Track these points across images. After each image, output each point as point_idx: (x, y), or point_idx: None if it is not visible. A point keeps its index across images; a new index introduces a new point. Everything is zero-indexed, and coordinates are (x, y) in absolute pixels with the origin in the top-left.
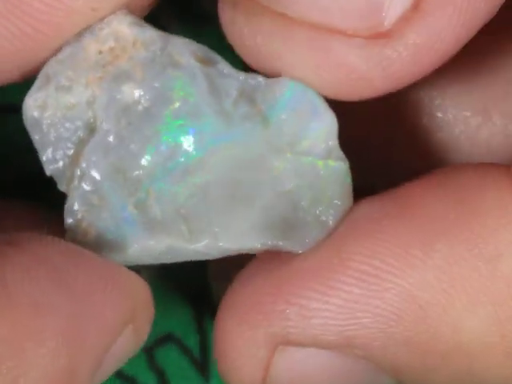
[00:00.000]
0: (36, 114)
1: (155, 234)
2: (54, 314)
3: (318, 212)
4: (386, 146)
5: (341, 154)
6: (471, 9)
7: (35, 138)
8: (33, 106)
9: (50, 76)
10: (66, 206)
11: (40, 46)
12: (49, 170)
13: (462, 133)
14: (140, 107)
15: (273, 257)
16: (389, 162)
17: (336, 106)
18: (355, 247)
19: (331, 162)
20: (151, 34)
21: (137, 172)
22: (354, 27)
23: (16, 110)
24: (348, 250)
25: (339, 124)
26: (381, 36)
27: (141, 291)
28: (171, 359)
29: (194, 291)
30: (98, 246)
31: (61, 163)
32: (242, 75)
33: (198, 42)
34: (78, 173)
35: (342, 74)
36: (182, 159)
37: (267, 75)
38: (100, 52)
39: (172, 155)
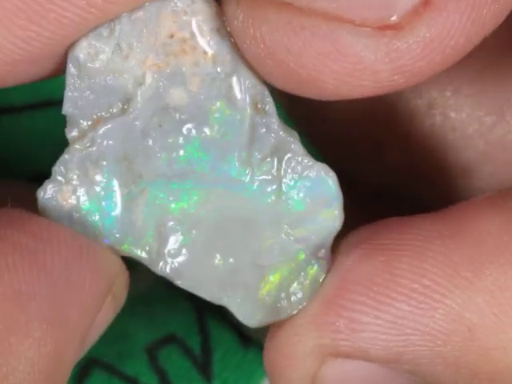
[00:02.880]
0: (84, 57)
1: (125, 239)
2: (36, 302)
3: (279, 297)
4: (401, 147)
5: (327, 256)
6: (484, 7)
7: (71, 75)
8: (85, 49)
9: (114, 32)
10: (61, 157)
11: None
12: (66, 109)
13: (475, 132)
14: (177, 115)
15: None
16: (403, 162)
17: (352, 104)
18: (407, 264)
19: (314, 261)
20: (227, 52)
21: (142, 168)
22: (362, 17)
23: (12, 110)
24: (399, 267)
25: (355, 129)
26: (390, 28)
27: (115, 261)
28: (173, 360)
29: None
30: (72, 218)
31: (80, 112)
32: (285, 132)
33: None
34: (90, 137)
35: (349, 64)
36: (188, 185)
37: (272, 68)
38: (171, 36)
39: (181, 175)
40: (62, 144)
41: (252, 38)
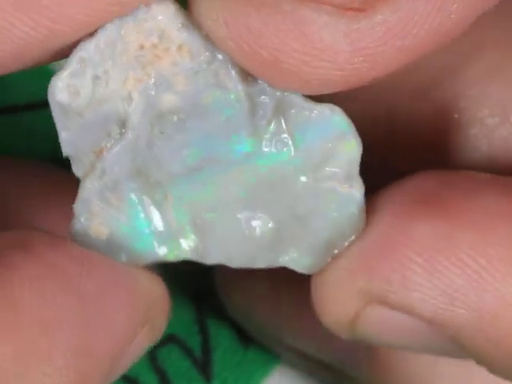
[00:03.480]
0: (66, 99)
1: (168, 243)
2: (62, 329)
3: (327, 238)
4: (403, 150)
5: (360, 181)
6: None
7: (58, 119)
8: (64, 90)
9: (86, 62)
10: (79, 195)
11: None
12: (66, 151)
13: (478, 133)
14: (175, 118)
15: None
16: (405, 165)
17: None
18: (468, 239)
19: (349, 189)
20: (200, 41)
21: (158, 176)
22: None
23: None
24: (461, 238)
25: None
26: (353, 9)
27: (155, 290)
28: (173, 360)
29: (196, 292)
30: (110, 247)
31: (81, 149)
32: (276, 91)
33: None
34: (100, 168)
35: (308, 43)
36: (207, 175)
37: (235, 50)
38: (141, 47)
39: (198, 168)
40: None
41: (215, 20)
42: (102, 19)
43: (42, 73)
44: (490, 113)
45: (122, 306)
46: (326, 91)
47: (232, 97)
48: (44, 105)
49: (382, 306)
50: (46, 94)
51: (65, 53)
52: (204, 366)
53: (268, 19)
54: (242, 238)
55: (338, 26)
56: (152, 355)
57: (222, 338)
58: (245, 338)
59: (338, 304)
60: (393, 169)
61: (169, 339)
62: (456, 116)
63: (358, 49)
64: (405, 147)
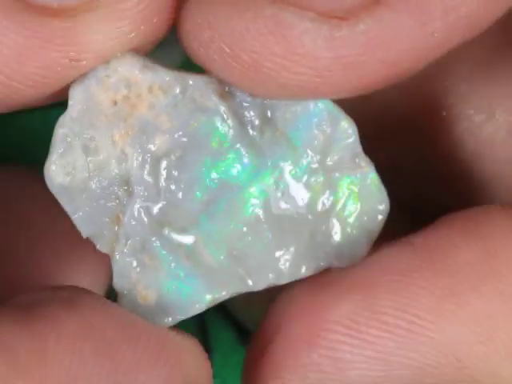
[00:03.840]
0: (65, 181)
1: (217, 285)
2: None
3: (364, 223)
4: (391, 148)
5: (366, 158)
6: (434, 15)
7: (65, 202)
8: (60, 172)
9: (69, 136)
10: (114, 270)
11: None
12: (85, 232)
13: (466, 130)
14: (173, 157)
15: (301, 297)
16: (393, 163)
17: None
18: (387, 301)
19: (361, 170)
20: (166, 75)
21: (180, 221)
22: (311, 6)
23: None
24: (380, 304)
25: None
26: (335, 17)
27: (195, 360)
28: None
29: None
30: (158, 308)
31: (98, 224)
32: (256, 100)
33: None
34: (123, 234)
35: (289, 47)
36: (224, 200)
37: (215, 55)
38: (115, 103)
39: (213, 200)
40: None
41: (200, 24)
42: (62, 80)
43: None
44: (477, 110)
45: (157, 379)
46: (303, 98)
47: (217, 118)
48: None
49: None
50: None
51: (40, 102)
52: None
53: (250, 23)
54: (281, 248)
55: (319, 32)
56: None
57: (221, 338)
58: (244, 337)
59: None
60: (381, 165)
61: None
62: (444, 113)
63: (339, 56)
64: (393, 144)
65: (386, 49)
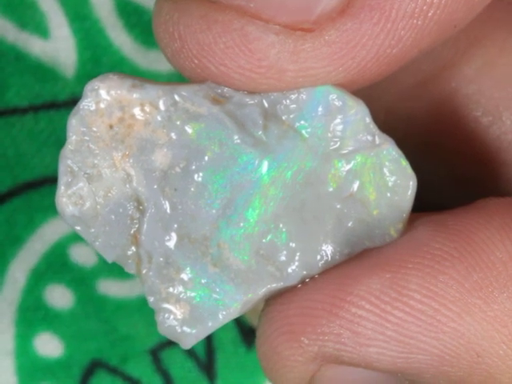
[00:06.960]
0: (76, 211)
1: (248, 285)
2: None
3: (393, 201)
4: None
5: (383, 135)
6: (399, 21)
7: (82, 232)
8: (69, 203)
9: (73, 169)
10: (145, 289)
11: None
12: (109, 257)
13: (472, 132)
14: (177, 169)
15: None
16: None
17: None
18: (415, 285)
19: (380, 148)
20: (154, 90)
21: (200, 231)
22: (276, 18)
23: (15, 111)
24: (408, 287)
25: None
26: (300, 29)
27: None
28: (176, 361)
29: None
30: (195, 319)
31: (119, 247)
32: (255, 97)
33: None
34: (144, 253)
35: (255, 60)
36: (240, 201)
37: (185, 63)
38: (111, 126)
39: (228, 204)
40: (64, 145)
41: (171, 34)
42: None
43: (43, 75)
44: (484, 111)
45: None
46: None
47: (213, 122)
48: (47, 106)
49: (337, 365)
50: (49, 96)
51: None
52: (207, 366)
53: (218, 36)
54: (307, 238)
55: (284, 45)
56: (155, 356)
57: (225, 338)
58: (248, 338)
59: (292, 371)
60: None
61: (172, 341)
62: (450, 115)
63: (303, 68)
64: (400, 146)
65: (351, 58)
